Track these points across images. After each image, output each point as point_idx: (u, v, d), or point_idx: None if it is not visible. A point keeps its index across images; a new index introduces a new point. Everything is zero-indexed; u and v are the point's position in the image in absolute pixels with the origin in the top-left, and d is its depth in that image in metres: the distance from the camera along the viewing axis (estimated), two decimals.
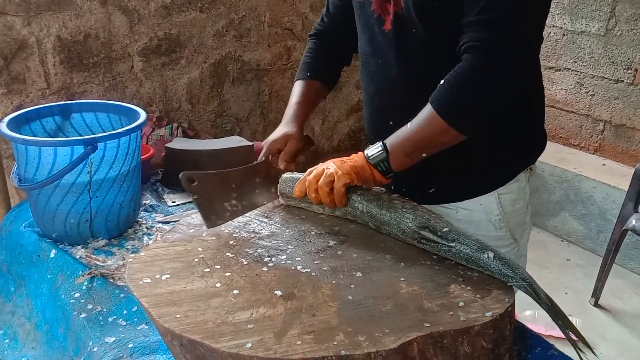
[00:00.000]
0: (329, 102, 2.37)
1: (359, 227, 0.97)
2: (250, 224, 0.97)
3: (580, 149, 3.13)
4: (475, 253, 0.82)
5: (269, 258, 0.86)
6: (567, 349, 0.85)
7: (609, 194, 2.69)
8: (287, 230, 0.95)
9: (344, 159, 0.97)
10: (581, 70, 3.04)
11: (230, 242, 0.90)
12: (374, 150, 0.97)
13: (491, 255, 0.81)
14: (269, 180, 1.08)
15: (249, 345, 0.66)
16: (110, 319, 0.96)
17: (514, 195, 1.09)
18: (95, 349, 0.89)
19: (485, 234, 1.06)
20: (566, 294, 2.42)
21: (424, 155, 0.96)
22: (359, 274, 0.82)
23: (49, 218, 1.14)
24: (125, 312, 0.97)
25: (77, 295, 1.02)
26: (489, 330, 0.73)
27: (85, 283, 1.04)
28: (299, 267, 0.83)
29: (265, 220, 0.99)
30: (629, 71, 2.85)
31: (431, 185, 1.10)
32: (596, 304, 2.36)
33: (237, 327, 0.69)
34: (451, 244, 0.84)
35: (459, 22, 0.92)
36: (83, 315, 0.97)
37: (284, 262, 0.85)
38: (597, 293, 2.36)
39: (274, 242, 0.91)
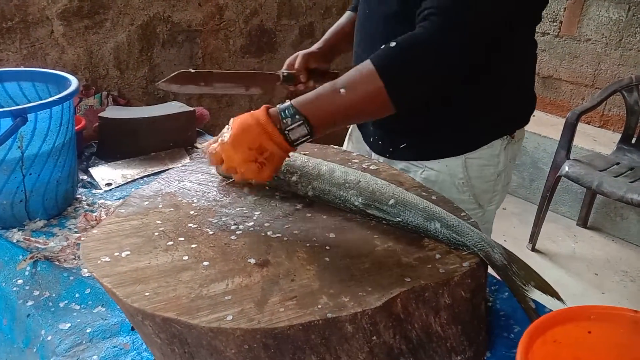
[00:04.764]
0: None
1: None
2: (209, 192, 0.91)
3: None
4: (423, 223, 0.80)
5: (235, 226, 0.81)
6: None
7: (540, 143, 2.81)
8: (250, 196, 0.90)
9: (261, 153, 0.81)
10: None
11: (191, 212, 0.84)
12: (297, 132, 0.82)
13: (438, 224, 0.79)
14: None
15: (230, 317, 0.62)
16: (61, 304, 0.89)
17: (483, 161, 1.07)
18: (49, 338, 0.82)
19: (448, 197, 1.03)
20: (505, 241, 2.53)
21: (350, 124, 0.93)
22: (332, 235, 0.79)
23: None
24: (77, 295, 0.90)
25: (20, 282, 0.93)
26: (467, 280, 0.73)
27: (28, 268, 0.95)
28: (269, 233, 0.79)
29: (223, 187, 0.94)
30: (555, 23, 2.95)
31: (403, 141, 1.09)
32: (533, 249, 2.49)
33: (214, 300, 0.65)
34: (398, 219, 0.81)
35: None
36: (30, 302, 0.89)
37: (252, 228, 0.80)
38: (534, 238, 2.48)
39: (238, 208, 0.86)
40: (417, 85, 0.87)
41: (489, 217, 1.16)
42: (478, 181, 1.08)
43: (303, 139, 0.83)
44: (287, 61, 1.25)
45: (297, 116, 0.81)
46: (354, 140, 1.27)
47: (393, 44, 0.85)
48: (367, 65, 0.85)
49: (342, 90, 0.83)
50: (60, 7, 1.81)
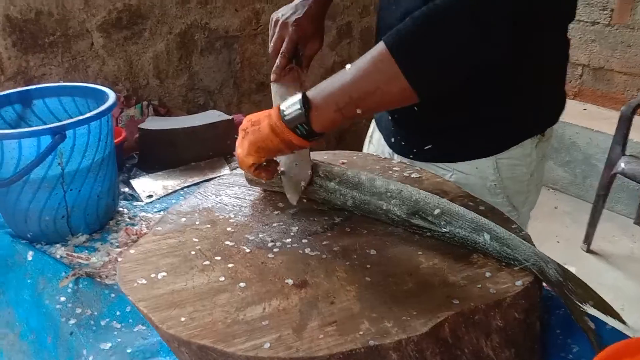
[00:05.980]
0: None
1: None
2: (245, 207, 0.89)
3: None
4: (471, 235, 0.75)
5: (272, 243, 0.78)
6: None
7: (592, 138, 2.68)
8: (287, 210, 0.87)
9: (252, 124, 0.81)
10: None
11: (228, 229, 0.82)
12: (289, 107, 0.77)
13: (487, 237, 0.74)
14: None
15: (267, 345, 0.59)
16: (102, 323, 0.88)
17: (515, 161, 1.01)
18: (91, 358, 0.81)
19: None
20: (558, 242, 2.42)
21: (358, 112, 0.76)
22: (373, 252, 0.76)
23: (21, 217, 1.04)
24: (118, 313, 0.89)
25: (62, 299, 0.93)
26: (520, 301, 0.68)
27: (71, 285, 0.95)
28: (307, 250, 0.76)
29: (260, 201, 0.91)
30: (605, 12, 2.80)
31: (428, 142, 1.03)
32: (588, 250, 2.37)
33: (251, 326, 0.62)
34: (444, 229, 0.76)
35: None
36: (72, 321, 0.88)
37: (289, 245, 0.78)
38: (588, 239, 2.37)
39: (275, 224, 0.83)
40: (438, 61, 0.75)
41: (523, 219, 1.10)
42: (510, 182, 1.03)
43: (294, 114, 0.76)
44: (273, 48, 1.06)
45: (296, 97, 0.77)
46: (374, 142, 1.21)
47: (407, 18, 0.75)
48: (378, 45, 0.76)
49: (347, 68, 0.77)
50: (99, 19, 1.84)
